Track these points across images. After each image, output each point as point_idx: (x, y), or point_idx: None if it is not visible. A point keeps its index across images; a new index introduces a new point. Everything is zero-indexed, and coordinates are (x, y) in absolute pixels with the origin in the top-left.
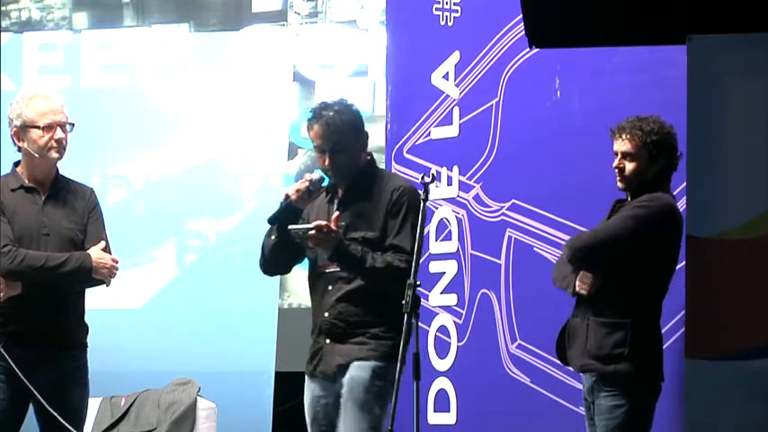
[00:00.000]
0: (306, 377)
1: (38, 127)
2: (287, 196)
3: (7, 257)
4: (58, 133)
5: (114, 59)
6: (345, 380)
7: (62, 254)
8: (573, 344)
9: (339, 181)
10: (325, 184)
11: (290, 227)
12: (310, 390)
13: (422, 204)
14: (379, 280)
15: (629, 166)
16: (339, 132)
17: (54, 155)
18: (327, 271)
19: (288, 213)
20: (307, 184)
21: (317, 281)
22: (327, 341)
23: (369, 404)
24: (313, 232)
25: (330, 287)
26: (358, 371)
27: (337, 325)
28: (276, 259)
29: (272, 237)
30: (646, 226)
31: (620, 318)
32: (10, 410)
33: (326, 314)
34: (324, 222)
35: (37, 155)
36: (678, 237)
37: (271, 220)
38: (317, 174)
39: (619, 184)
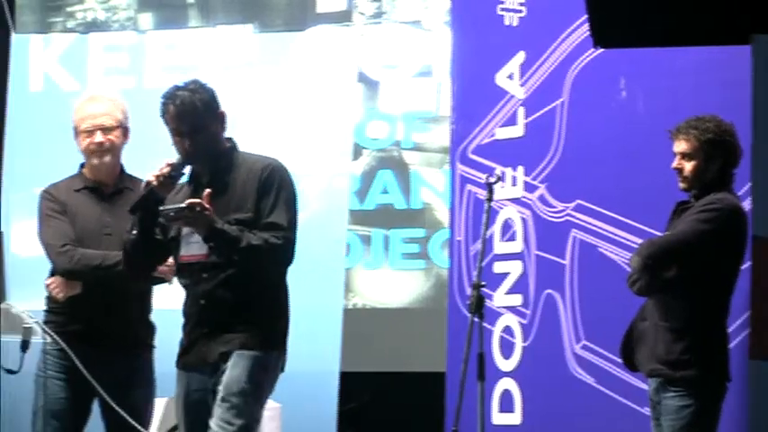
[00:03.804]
0: (178, 371)
1: (81, 131)
2: (148, 183)
3: (65, 257)
4: (98, 137)
5: (179, 60)
6: (226, 370)
7: (119, 252)
8: (641, 348)
9: (202, 164)
10: (186, 169)
11: (161, 208)
12: (183, 384)
13: (290, 179)
14: (257, 257)
15: (688, 166)
16: (195, 112)
17: (95, 159)
18: (197, 261)
19: (150, 202)
20: (168, 168)
21: (185, 270)
22: (206, 330)
23: (248, 396)
24: (186, 211)
25: (205, 275)
26: (239, 359)
27: (216, 312)
28: (138, 256)
29: (134, 231)
30: (714, 229)
31: (688, 322)
32: (71, 410)
33: (203, 301)
34: (197, 200)
35: (85, 157)
36: (744, 237)
37: (132, 210)
38: (178, 158)
39: (680, 184)
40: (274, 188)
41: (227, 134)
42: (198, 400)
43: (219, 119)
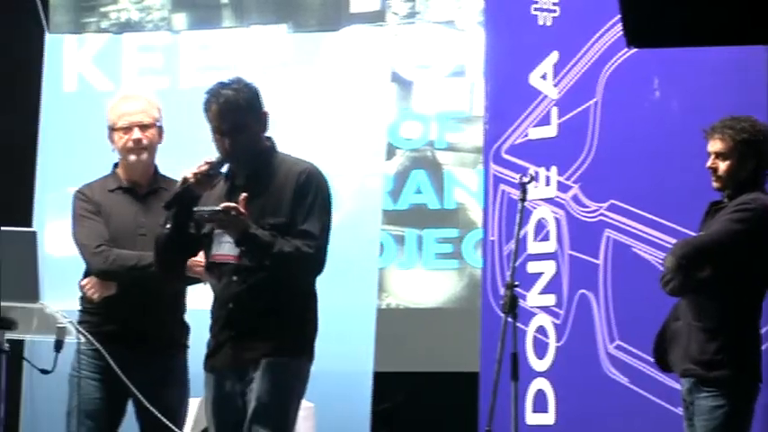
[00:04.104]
0: (206, 373)
1: (117, 129)
2: (185, 180)
3: (100, 257)
4: (135, 134)
5: (213, 60)
6: (256, 378)
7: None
8: (674, 348)
9: (239, 165)
10: (224, 168)
11: (195, 209)
12: (212, 386)
13: (327, 186)
14: (287, 265)
15: (722, 165)
16: (238, 112)
17: (131, 157)
18: (228, 261)
19: (186, 198)
20: (206, 167)
21: (213, 271)
22: (233, 334)
23: (281, 409)
24: (221, 214)
25: (235, 278)
26: (269, 368)
27: (245, 317)
28: (170, 251)
29: (167, 225)
30: (747, 230)
31: (722, 322)
32: (106, 410)
33: (231, 305)
34: (233, 204)
35: (120, 156)
36: None
37: (167, 205)
38: (217, 156)
39: (714, 184)
40: (310, 195)
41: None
42: (227, 403)
43: (262, 119)
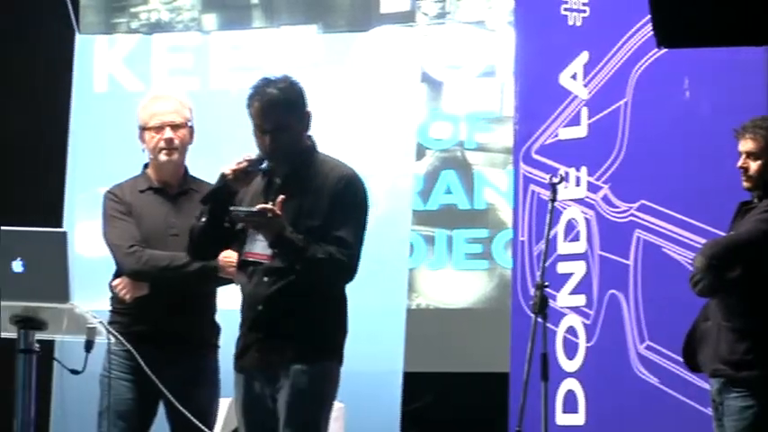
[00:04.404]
0: (235, 373)
1: (149, 128)
2: (223, 175)
3: (132, 258)
4: (167, 133)
5: (243, 61)
6: (285, 384)
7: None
8: (704, 348)
9: (279, 164)
10: (264, 166)
11: (231, 208)
12: (241, 387)
13: (364, 193)
14: (319, 271)
15: (753, 165)
16: (281, 111)
17: (162, 157)
18: (255, 260)
19: (223, 194)
20: (245, 164)
21: (245, 269)
22: (261, 336)
23: (314, 416)
24: (256, 216)
25: (266, 278)
26: (298, 374)
27: (274, 319)
28: (204, 242)
29: (203, 218)
30: None
31: (751, 322)
32: (137, 410)
33: (260, 307)
34: (269, 206)
35: (152, 156)
36: None
37: (204, 200)
38: (257, 153)
39: (744, 183)
40: (347, 202)
41: None
42: (256, 404)
43: (305, 119)
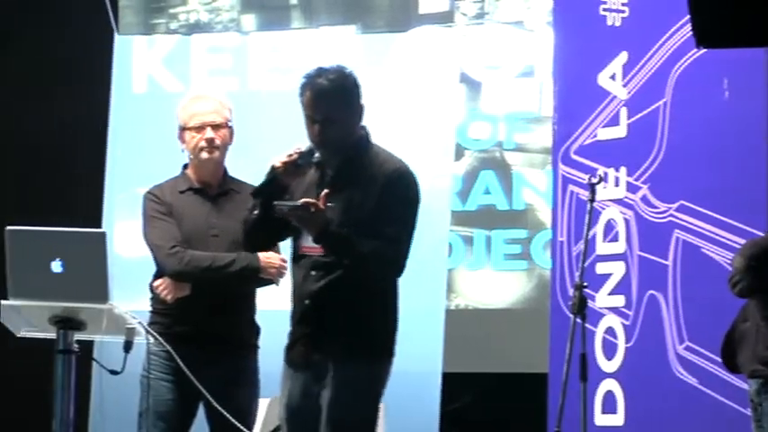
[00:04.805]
0: (284, 366)
1: (189, 128)
2: (273, 168)
3: (174, 258)
4: (208, 133)
5: (282, 62)
6: (329, 383)
7: (229, 254)
8: (742, 349)
9: (330, 155)
10: (315, 157)
11: (275, 203)
12: (288, 382)
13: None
14: (365, 266)
15: None
16: (332, 102)
17: (204, 155)
18: (309, 254)
19: (274, 187)
20: (295, 156)
21: (298, 262)
22: (307, 331)
23: (354, 407)
24: (299, 210)
25: (314, 272)
26: (343, 372)
27: (320, 314)
28: (257, 235)
29: (255, 211)
30: None
31: None
32: (178, 411)
33: (307, 301)
34: (312, 201)
35: (192, 156)
36: None
37: (255, 194)
38: (308, 145)
39: None
40: (397, 196)
41: None
42: (301, 398)
43: (356, 110)
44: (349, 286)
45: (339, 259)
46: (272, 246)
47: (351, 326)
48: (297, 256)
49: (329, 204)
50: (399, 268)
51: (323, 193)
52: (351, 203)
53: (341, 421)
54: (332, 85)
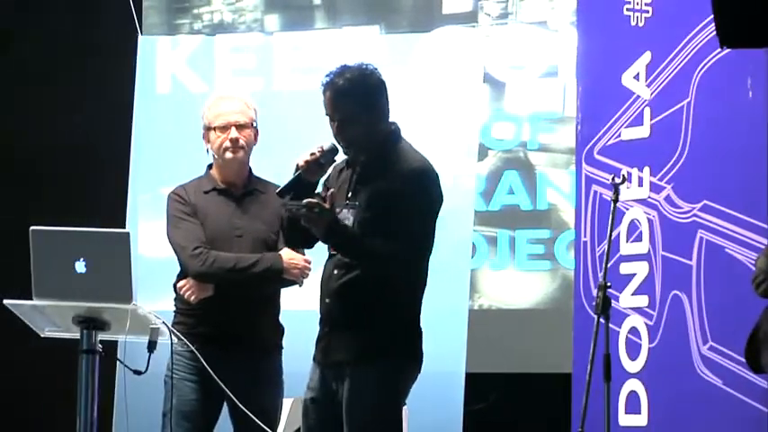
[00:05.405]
0: (313, 362)
1: (214, 128)
2: (297, 167)
3: (198, 260)
4: (233, 133)
5: (305, 62)
6: (347, 384)
7: (253, 255)
8: (766, 349)
9: (355, 154)
10: (338, 155)
11: (284, 203)
12: (311, 377)
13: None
14: (376, 266)
15: None
16: (349, 102)
17: (228, 155)
18: (335, 253)
19: (299, 186)
20: (318, 154)
21: (328, 261)
22: (326, 329)
23: (371, 408)
24: (304, 210)
25: (336, 272)
26: (361, 379)
27: (338, 314)
28: (292, 234)
29: (284, 211)
30: None
31: None
32: (202, 411)
33: (328, 300)
34: (315, 200)
35: (216, 156)
36: None
37: (279, 193)
38: (330, 144)
39: None
40: (412, 196)
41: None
42: (324, 396)
43: (377, 109)
44: (367, 286)
45: (349, 258)
46: (313, 243)
47: (368, 325)
48: (329, 255)
49: (355, 203)
50: (405, 267)
51: (329, 192)
52: (372, 201)
53: (359, 421)
54: (351, 84)
